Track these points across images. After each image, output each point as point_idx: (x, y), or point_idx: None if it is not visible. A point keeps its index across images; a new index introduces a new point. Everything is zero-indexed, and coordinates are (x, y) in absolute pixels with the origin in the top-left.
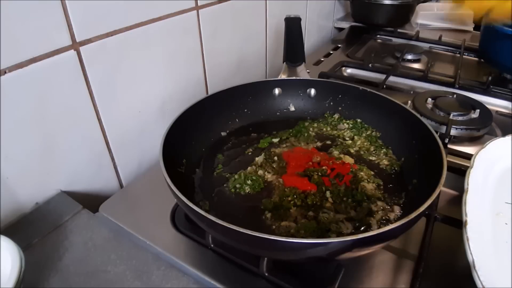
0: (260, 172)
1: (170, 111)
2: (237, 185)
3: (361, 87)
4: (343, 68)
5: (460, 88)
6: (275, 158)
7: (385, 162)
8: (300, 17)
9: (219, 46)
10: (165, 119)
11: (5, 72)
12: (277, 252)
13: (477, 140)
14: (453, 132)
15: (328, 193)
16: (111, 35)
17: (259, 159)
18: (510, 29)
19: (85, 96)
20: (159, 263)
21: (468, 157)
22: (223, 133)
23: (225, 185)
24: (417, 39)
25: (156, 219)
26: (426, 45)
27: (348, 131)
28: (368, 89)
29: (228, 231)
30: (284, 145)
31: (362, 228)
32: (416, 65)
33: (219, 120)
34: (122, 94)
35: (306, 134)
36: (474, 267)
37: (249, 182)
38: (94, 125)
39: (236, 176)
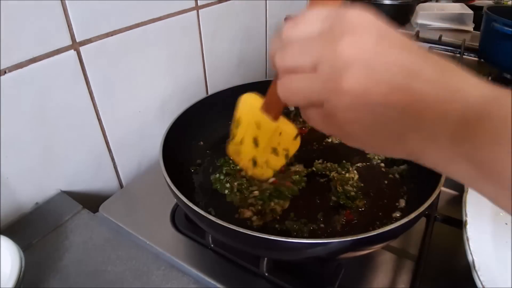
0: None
1: (170, 111)
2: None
3: None
4: None
5: None
6: None
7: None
8: None
9: (219, 46)
10: (165, 119)
11: (5, 72)
12: (277, 252)
13: None
14: None
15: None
16: (111, 35)
17: None
18: (510, 29)
19: (85, 96)
20: (159, 263)
21: None
22: (223, 133)
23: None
24: (417, 39)
25: (156, 219)
26: (426, 45)
27: None
28: None
29: (228, 231)
30: None
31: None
32: None
33: (219, 120)
34: (122, 94)
35: None
36: (474, 267)
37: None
38: (94, 125)
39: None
